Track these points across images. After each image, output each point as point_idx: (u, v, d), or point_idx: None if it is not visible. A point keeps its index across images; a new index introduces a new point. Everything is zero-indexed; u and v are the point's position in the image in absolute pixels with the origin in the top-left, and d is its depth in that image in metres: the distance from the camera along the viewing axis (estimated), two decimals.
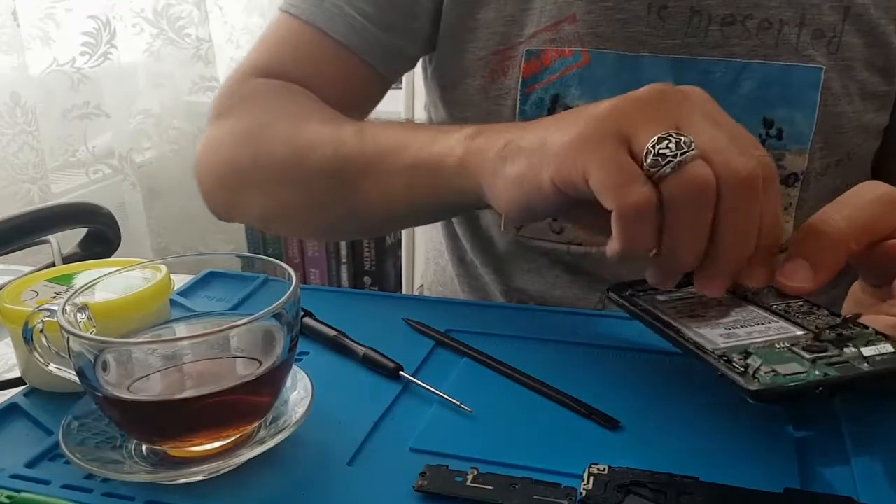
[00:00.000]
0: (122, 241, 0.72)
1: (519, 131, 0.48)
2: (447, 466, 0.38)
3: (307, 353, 0.50)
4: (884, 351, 0.38)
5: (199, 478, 0.38)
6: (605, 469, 0.36)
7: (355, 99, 0.70)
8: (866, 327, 0.40)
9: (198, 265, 0.59)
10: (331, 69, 0.68)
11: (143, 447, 0.40)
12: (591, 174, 0.41)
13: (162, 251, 1.56)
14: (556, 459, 0.39)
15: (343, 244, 1.79)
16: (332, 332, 0.50)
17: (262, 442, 0.38)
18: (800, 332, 0.40)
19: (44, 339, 0.41)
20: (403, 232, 1.50)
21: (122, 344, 0.41)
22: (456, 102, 0.70)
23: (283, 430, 0.39)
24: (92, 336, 0.38)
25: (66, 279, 0.50)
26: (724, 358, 0.38)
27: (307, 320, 0.52)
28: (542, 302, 0.70)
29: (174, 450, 0.39)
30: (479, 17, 0.66)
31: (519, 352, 0.49)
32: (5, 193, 1.24)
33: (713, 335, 0.41)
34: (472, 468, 0.37)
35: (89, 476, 0.38)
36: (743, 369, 0.37)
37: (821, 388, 0.36)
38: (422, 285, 0.92)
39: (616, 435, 0.41)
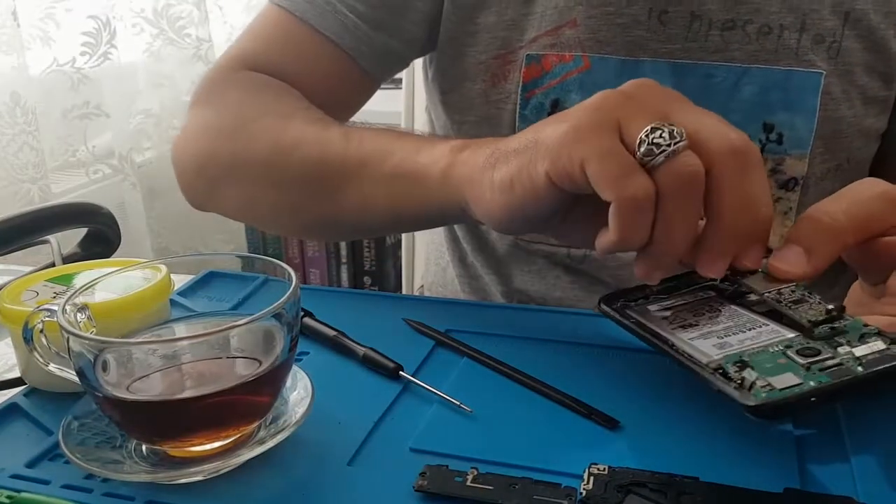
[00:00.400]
0: (122, 241, 0.72)
1: (505, 140, 0.48)
2: (447, 466, 0.38)
3: (307, 353, 0.50)
4: (875, 349, 0.38)
5: (199, 478, 0.38)
6: (605, 469, 0.36)
7: (343, 97, 0.69)
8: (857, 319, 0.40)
9: (198, 265, 0.59)
10: (319, 66, 0.67)
11: (143, 447, 0.40)
12: (588, 164, 0.40)
13: (162, 251, 1.56)
14: (556, 459, 0.39)
15: (343, 244, 1.79)
16: (332, 332, 0.50)
17: (261, 442, 0.38)
18: (791, 335, 0.40)
19: (44, 339, 0.41)
20: None
21: (122, 344, 0.41)
22: (456, 106, 0.69)
23: (283, 430, 0.39)
24: (92, 336, 0.38)
25: (66, 279, 0.50)
26: (720, 371, 0.38)
27: (307, 320, 0.52)
28: (542, 303, 0.70)
29: (174, 450, 0.39)
30: (479, 22, 0.65)
31: (519, 352, 0.49)
32: (5, 193, 1.24)
33: (706, 346, 0.41)
34: (472, 468, 0.37)
35: (89, 476, 0.38)
36: (739, 382, 0.37)
37: (814, 399, 0.36)
38: (422, 286, 0.92)
39: (616, 435, 0.41)
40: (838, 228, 0.42)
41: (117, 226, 0.72)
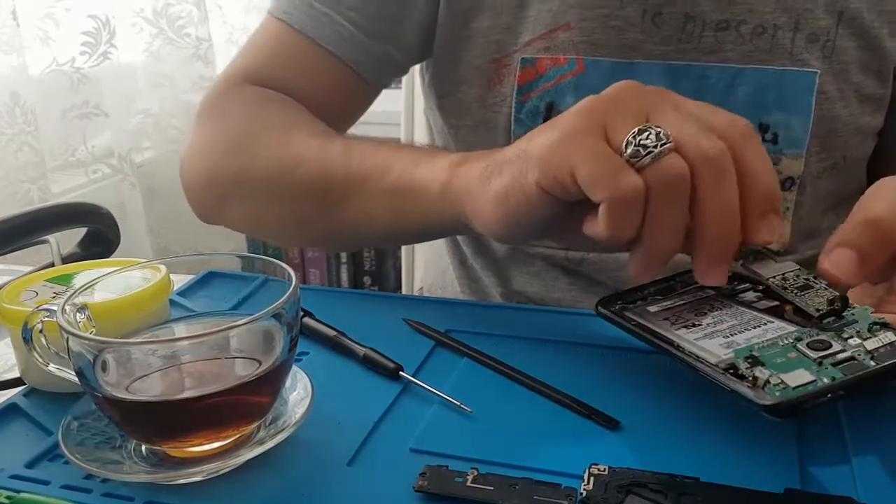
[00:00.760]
0: (121, 241, 0.72)
1: (500, 151, 0.48)
2: (447, 467, 0.38)
3: (307, 353, 0.50)
4: (886, 341, 0.38)
5: (199, 478, 0.38)
6: (605, 469, 0.36)
7: (344, 106, 0.70)
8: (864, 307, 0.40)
9: (198, 265, 0.59)
10: (320, 77, 0.68)
11: (143, 447, 0.40)
12: (577, 169, 0.41)
13: (162, 251, 1.56)
14: (556, 459, 0.39)
15: None
16: (332, 332, 0.50)
17: (261, 442, 0.38)
18: (795, 330, 0.40)
19: (43, 339, 0.41)
20: None
21: (122, 344, 0.41)
22: (452, 111, 0.70)
23: (283, 430, 0.39)
24: (91, 336, 0.38)
25: (65, 279, 0.50)
26: (731, 370, 0.38)
27: (307, 320, 0.52)
28: (541, 304, 0.70)
29: (174, 450, 0.39)
30: (473, 26, 0.66)
31: (519, 352, 0.48)
32: (5, 193, 1.24)
33: (713, 346, 0.40)
34: (472, 468, 0.37)
35: (89, 476, 0.38)
36: (752, 381, 0.37)
37: (830, 395, 0.36)
38: (421, 287, 0.92)
39: (616, 435, 0.41)
40: (891, 233, 0.42)
41: (117, 226, 0.72)
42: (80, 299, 0.40)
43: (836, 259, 0.42)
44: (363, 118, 0.73)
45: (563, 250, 0.68)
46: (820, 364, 0.37)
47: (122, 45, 1.40)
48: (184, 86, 1.54)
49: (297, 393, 0.42)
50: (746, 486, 0.36)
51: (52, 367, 0.41)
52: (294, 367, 0.43)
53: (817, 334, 0.39)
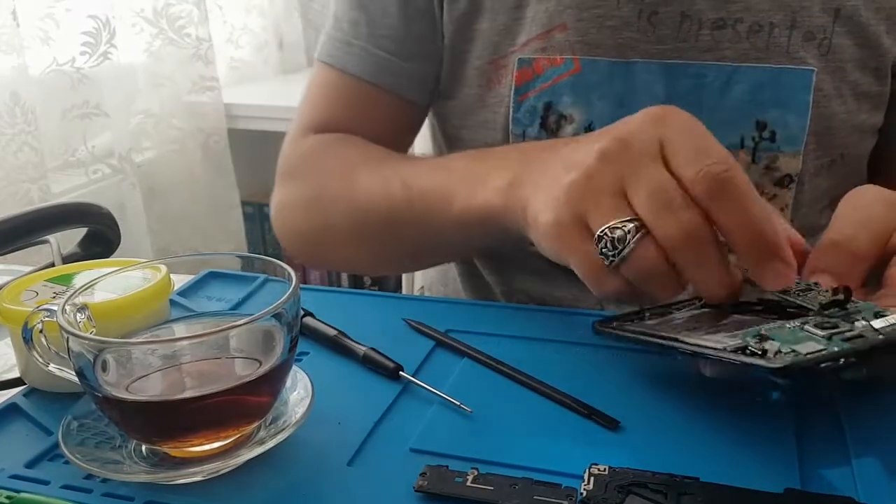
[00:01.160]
0: (121, 241, 0.72)
1: (528, 168, 0.51)
2: (447, 467, 0.38)
3: (307, 353, 0.50)
4: (894, 321, 0.37)
5: (199, 478, 0.38)
6: (605, 469, 0.36)
7: (398, 130, 0.74)
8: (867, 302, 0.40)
9: (198, 265, 0.59)
10: (373, 110, 0.72)
11: (143, 447, 0.40)
12: (570, 264, 0.46)
13: (162, 251, 1.56)
14: (556, 459, 0.39)
15: None
16: (332, 332, 0.50)
17: (261, 442, 0.38)
18: (800, 320, 0.40)
19: (43, 340, 0.41)
20: None
21: (122, 344, 0.41)
22: (456, 111, 0.71)
23: (283, 430, 0.39)
24: (91, 336, 0.38)
25: (65, 279, 0.50)
26: (740, 349, 0.37)
27: (307, 320, 0.52)
28: (542, 303, 0.70)
29: (174, 450, 0.39)
30: (475, 28, 0.66)
31: (519, 352, 0.49)
32: (5, 193, 1.24)
33: (716, 339, 0.40)
34: (472, 468, 0.37)
35: (89, 476, 0.38)
36: (762, 352, 0.36)
37: (842, 360, 0.35)
38: (422, 287, 0.92)
39: (616, 435, 0.41)
40: (862, 250, 0.44)
41: (117, 226, 0.72)
42: (80, 299, 0.40)
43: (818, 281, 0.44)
44: None
45: None
46: (829, 339, 0.36)
47: (122, 45, 1.41)
48: (184, 86, 1.54)
49: (298, 393, 0.42)
50: (746, 486, 0.36)
51: (52, 367, 0.41)
52: (294, 367, 0.43)
53: (825, 319, 0.39)
